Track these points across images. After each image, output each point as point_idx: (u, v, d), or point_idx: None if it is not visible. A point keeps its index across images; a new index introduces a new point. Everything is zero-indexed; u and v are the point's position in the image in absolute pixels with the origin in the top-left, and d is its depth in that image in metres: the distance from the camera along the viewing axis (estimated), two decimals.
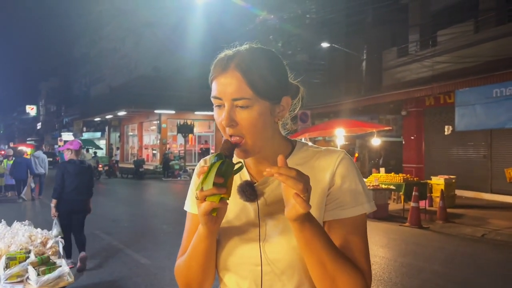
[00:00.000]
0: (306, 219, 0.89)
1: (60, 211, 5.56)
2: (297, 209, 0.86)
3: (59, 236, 4.38)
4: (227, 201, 0.94)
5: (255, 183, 1.06)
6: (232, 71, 0.97)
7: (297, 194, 0.84)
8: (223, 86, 0.97)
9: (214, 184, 0.88)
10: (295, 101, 1.09)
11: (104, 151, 27.41)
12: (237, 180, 1.07)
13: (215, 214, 0.93)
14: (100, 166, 22.82)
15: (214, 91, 0.99)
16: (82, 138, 39.21)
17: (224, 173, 0.90)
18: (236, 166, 0.95)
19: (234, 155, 1.00)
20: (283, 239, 1.00)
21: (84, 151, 25.95)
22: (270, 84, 0.98)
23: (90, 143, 30.21)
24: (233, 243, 1.04)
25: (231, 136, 0.99)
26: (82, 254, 5.78)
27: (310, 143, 1.13)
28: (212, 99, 1.00)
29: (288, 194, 0.87)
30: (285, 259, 0.99)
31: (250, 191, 1.03)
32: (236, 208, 1.06)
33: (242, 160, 1.09)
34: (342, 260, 0.94)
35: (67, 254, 5.33)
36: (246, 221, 1.05)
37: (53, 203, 5.60)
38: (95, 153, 25.98)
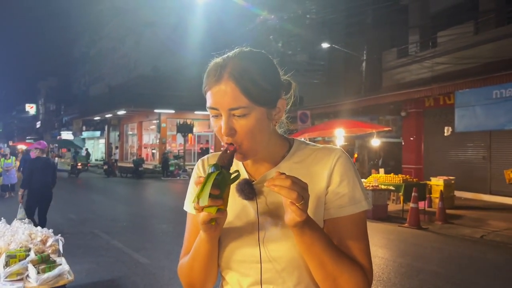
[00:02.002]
0: (305, 224, 0.90)
1: (29, 199, 6.56)
2: (293, 217, 0.87)
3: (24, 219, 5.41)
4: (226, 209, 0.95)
5: (254, 181, 1.06)
6: (226, 81, 0.96)
7: (292, 203, 0.85)
8: (219, 96, 0.97)
9: (210, 196, 0.89)
10: (288, 97, 1.09)
11: (83, 151, 28.55)
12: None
13: (214, 223, 0.94)
14: (79, 164, 24.61)
15: (209, 102, 1.00)
16: (82, 137, 39.36)
17: (220, 184, 0.91)
18: (233, 176, 0.95)
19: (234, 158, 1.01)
20: (283, 236, 1.00)
21: (64, 150, 29.45)
22: (265, 90, 0.98)
23: (70, 143, 32.14)
24: (234, 241, 1.05)
25: (229, 144, 1.00)
26: None
27: (308, 142, 1.14)
28: (208, 110, 1.01)
29: (287, 202, 0.88)
30: (285, 256, 1.00)
31: (248, 189, 1.03)
32: (235, 206, 1.07)
33: (239, 166, 1.11)
34: (342, 260, 0.95)
35: None
36: (245, 220, 1.05)
37: (21, 192, 6.57)
38: (76, 152, 27.41)
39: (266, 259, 1.01)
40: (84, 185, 19.87)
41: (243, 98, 0.96)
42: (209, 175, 0.90)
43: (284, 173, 0.88)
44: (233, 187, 1.05)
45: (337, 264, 0.94)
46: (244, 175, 1.09)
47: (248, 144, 0.99)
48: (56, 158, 28.65)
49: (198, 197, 0.89)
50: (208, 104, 1.00)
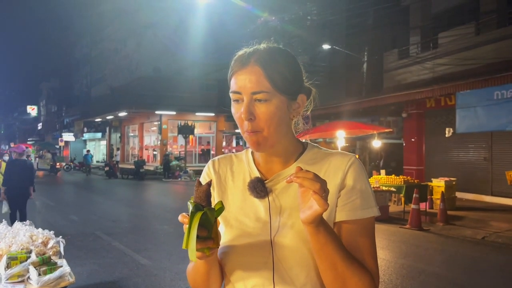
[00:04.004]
0: (320, 222, 0.90)
1: (9, 195, 7.53)
2: (315, 209, 0.86)
3: (8, 212, 7.49)
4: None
5: (266, 180, 1.07)
6: (252, 65, 1.00)
7: (315, 192, 0.85)
8: (243, 80, 1.00)
9: (199, 238, 0.87)
10: (307, 103, 1.12)
11: (61, 152, 30.56)
12: (246, 177, 1.10)
13: (208, 254, 0.93)
14: (58, 164, 28.30)
15: (233, 86, 1.02)
16: (83, 139, 39.42)
17: (206, 224, 0.89)
18: (217, 209, 0.92)
19: (249, 146, 1.02)
20: (294, 235, 1.01)
21: (44, 151, 33.12)
22: (288, 79, 1.02)
23: (50, 146, 36.34)
24: (243, 241, 1.05)
25: (249, 131, 1.00)
26: None
27: (321, 146, 1.15)
28: (231, 94, 1.03)
29: (304, 198, 0.88)
30: (295, 255, 1.00)
31: (260, 188, 1.04)
32: (246, 204, 1.08)
33: (251, 166, 1.11)
34: (353, 262, 0.96)
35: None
36: (255, 218, 1.06)
37: (3, 189, 7.61)
38: (54, 153, 30.14)
39: (275, 258, 1.02)
40: (79, 185, 19.89)
41: (266, 83, 0.99)
42: (192, 215, 0.88)
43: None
44: (245, 185, 1.07)
45: (348, 266, 0.94)
46: (256, 174, 1.09)
47: (267, 131, 1.00)
48: (37, 158, 29.38)
49: (187, 240, 0.87)
50: (232, 88, 1.03)
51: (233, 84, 1.02)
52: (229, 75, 1.05)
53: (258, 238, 1.03)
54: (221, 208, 0.93)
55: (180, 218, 0.90)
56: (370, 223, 1.03)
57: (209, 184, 0.94)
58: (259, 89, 0.98)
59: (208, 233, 0.89)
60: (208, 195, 0.92)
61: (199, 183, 0.94)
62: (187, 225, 0.87)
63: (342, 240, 0.99)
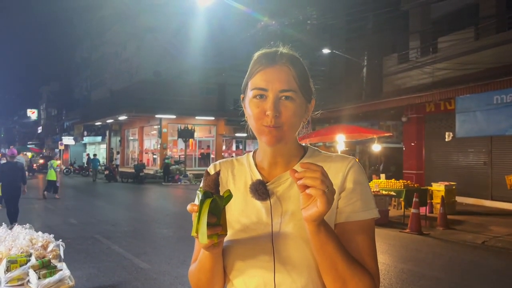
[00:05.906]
0: (322, 222, 0.91)
1: (4, 193, 8.71)
2: (319, 208, 0.86)
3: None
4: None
5: (267, 182, 1.08)
6: (283, 64, 1.05)
7: (318, 189, 0.85)
8: (272, 77, 1.03)
9: (208, 225, 0.89)
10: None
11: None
12: (248, 180, 1.11)
13: (216, 244, 0.94)
14: (34, 165, 31.45)
15: (259, 83, 1.04)
16: (83, 142, 39.43)
17: (215, 210, 0.91)
18: (225, 196, 0.94)
19: (264, 141, 1.03)
20: (296, 235, 1.02)
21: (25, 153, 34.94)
22: (308, 83, 1.09)
23: (26, 148, 40.51)
24: (245, 243, 1.06)
25: (271, 125, 1.01)
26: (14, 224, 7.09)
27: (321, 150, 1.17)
28: (253, 91, 1.04)
29: (307, 198, 0.88)
30: (297, 255, 1.01)
31: (262, 190, 1.05)
32: (247, 207, 1.09)
33: (252, 169, 1.13)
34: (353, 263, 0.97)
35: (11, 220, 8.16)
36: (257, 221, 1.07)
37: None
38: (32, 156, 33.41)
39: (277, 259, 1.03)
40: (78, 189, 19.87)
41: (294, 83, 1.04)
42: (202, 203, 0.90)
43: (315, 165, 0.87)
44: (247, 187, 1.08)
45: (348, 266, 0.95)
46: (257, 176, 1.11)
47: (286, 128, 1.03)
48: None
49: (197, 231, 0.89)
50: (257, 85, 1.04)
51: (259, 81, 1.04)
52: (253, 72, 1.06)
53: (260, 240, 1.04)
54: (229, 195, 0.95)
55: (188, 207, 0.92)
56: (370, 225, 1.04)
57: (217, 173, 0.96)
58: (289, 88, 1.02)
59: (217, 220, 0.91)
60: (216, 183, 0.94)
61: (208, 173, 0.97)
62: (196, 213, 0.90)
63: (343, 242, 0.99)
